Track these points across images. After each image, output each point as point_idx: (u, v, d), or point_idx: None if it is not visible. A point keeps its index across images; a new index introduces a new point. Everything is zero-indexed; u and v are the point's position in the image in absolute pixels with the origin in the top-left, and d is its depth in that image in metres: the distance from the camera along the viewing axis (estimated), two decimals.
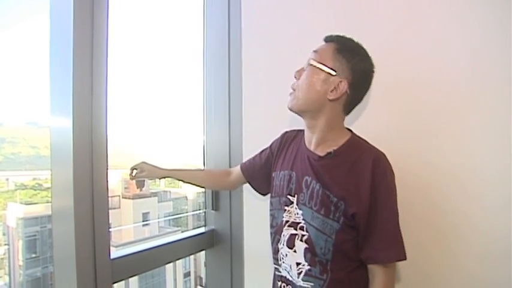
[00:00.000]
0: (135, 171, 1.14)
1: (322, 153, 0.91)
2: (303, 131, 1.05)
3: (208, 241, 1.49)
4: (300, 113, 0.95)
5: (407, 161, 1.05)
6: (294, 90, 0.94)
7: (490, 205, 0.97)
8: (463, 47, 1.01)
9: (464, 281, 1.00)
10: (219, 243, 1.50)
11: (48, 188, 0.99)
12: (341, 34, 0.93)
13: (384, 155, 0.88)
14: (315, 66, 0.90)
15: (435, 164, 1.05)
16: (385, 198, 0.85)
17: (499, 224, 0.95)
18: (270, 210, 1.03)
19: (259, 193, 1.18)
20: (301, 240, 0.90)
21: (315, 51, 0.93)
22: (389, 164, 0.87)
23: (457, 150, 1.03)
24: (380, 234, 0.84)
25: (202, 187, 1.33)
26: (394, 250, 0.84)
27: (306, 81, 0.91)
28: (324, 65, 0.89)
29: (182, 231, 1.58)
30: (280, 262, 0.96)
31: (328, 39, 0.93)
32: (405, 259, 0.84)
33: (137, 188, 1.31)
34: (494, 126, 0.98)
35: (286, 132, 1.11)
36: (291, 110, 0.95)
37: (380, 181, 0.84)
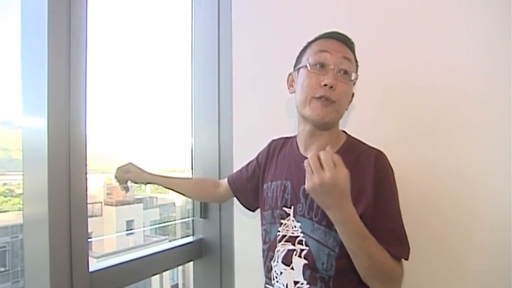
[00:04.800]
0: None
1: None
2: (290, 137, 1.01)
3: (196, 251, 1.43)
4: (327, 125, 0.87)
5: (411, 165, 1.04)
6: (333, 101, 0.83)
7: (493, 203, 0.97)
8: (469, 50, 1.00)
9: (467, 276, 1.00)
10: (207, 253, 1.45)
11: (21, 194, 0.93)
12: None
13: (383, 152, 0.86)
14: (353, 80, 0.87)
15: (440, 167, 1.03)
16: (389, 196, 0.82)
17: (504, 221, 0.95)
18: (263, 225, 0.97)
19: (248, 209, 1.13)
20: (299, 256, 0.84)
21: (347, 58, 0.84)
22: (389, 161, 0.85)
23: (461, 153, 1.01)
24: (385, 231, 0.78)
25: (189, 198, 1.27)
26: (400, 248, 0.79)
27: (347, 97, 0.87)
28: (355, 76, 0.87)
29: (170, 241, 1.51)
30: (273, 282, 0.90)
31: (346, 40, 0.87)
32: (407, 259, 0.79)
33: (122, 190, 1.22)
34: (498, 127, 0.97)
35: (273, 140, 1.06)
36: (323, 121, 0.84)
37: (383, 177, 0.81)
